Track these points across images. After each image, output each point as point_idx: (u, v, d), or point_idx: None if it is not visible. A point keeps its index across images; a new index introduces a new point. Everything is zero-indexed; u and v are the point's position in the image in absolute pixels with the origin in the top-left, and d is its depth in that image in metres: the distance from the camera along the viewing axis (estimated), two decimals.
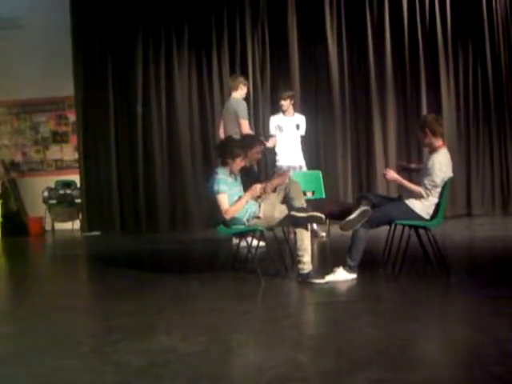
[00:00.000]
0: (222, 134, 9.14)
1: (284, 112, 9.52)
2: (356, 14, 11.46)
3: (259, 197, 6.61)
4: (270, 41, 11.64)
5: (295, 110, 9.68)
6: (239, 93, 9.08)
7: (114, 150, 11.87)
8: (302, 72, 11.52)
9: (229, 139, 7.10)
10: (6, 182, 12.70)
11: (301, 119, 9.63)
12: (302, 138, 9.70)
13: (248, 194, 6.47)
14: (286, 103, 9.48)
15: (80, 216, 12.38)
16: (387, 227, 6.64)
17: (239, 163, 6.64)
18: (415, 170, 6.92)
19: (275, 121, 9.58)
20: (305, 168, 9.66)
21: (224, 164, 6.62)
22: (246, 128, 8.79)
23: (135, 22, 11.80)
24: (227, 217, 6.39)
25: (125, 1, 11.87)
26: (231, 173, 6.61)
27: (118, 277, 7.26)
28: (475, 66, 11.41)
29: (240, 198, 6.48)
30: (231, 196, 6.45)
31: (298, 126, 9.55)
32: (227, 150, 6.61)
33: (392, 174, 6.39)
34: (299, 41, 11.53)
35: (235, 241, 7.97)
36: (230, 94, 9.31)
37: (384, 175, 6.47)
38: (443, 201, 6.18)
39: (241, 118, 8.82)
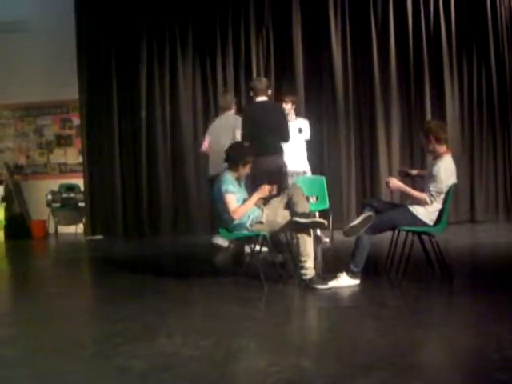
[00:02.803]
0: (205, 149, 9.19)
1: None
2: (360, 18, 11.45)
3: (265, 199, 6.63)
4: (274, 45, 11.63)
5: (297, 115, 9.67)
6: (233, 111, 9.12)
7: (117, 153, 11.88)
8: (307, 77, 11.51)
9: (241, 145, 7.05)
10: (9, 184, 12.70)
11: (304, 123, 9.61)
12: (307, 142, 9.69)
13: (257, 194, 6.49)
14: (287, 107, 9.43)
15: (83, 220, 12.38)
16: (391, 233, 6.64)
17: (247, 170, 6.68)
18: (418, 176, 6.91)
19: None
20: (309, 173, 9.65)
21: (234, 169, 6.63)
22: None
23: (139, 26, 11.82)
24: (236, 217, 6.41)
25: (130, 4, 11.89)
26: (237, 178, 6.64)
27: (121, 280, 7.26)
28: (480, 71, 11.39)
29: (247, 199, 6.51)
30: (237, 200, 6.47)
31: (300, 130, 9.49)
32: (240, 156, 6.64)
33: (395, 183, 6.38)
34: (304, 46, 11.52)
35: (247, 250, 7.90)
36: (222, 111, 9.26)
37: (387, 184, 6.46)
38: (447, 207, 6.18)
39: (239, 130, 8.50)
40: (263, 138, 7.71)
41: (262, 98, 8.08)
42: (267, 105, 8.19)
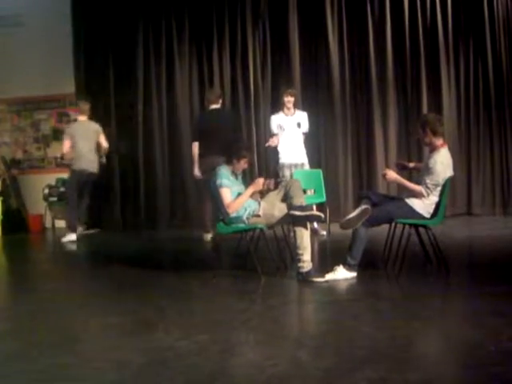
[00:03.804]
0: (68, 150, 10.49)
1: (288, 109, 9.55)
2: (357, 12, 11.44)
3: (262, 192, 6.66)
4: (271, 39, 11.62)
5: (296, 108, 9.70)
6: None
7: (114, 147, 11.84)
8: (303, 70, 11.50)
9: (237, 140, 7.09)
10: (6, 179, 12.68)
11: (302, 116, 9.67)
12: (305, 135, 9.74)
13: (251, 188, 6.50)
14: (293, 100, 9.55)
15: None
16: (387, 226, 6.64)
17: (243, 164, 6.69)
18: (414, 168, 6.93)
19: (276, 120, 9.62)
20: (307, 166, 9.69)
21: (228, 163, 6.66)
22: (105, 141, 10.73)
23: (136, 19, 11.80)
24: (230, 211, 6.43)
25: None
26: (233, 172, 6.65)
27: (118, 274, 7.26)
28: (476, 65, 11.39)
29: (241, 193, 6.53)
30: (232, 193, 6.48)
31: (298, 125, 9.59)
32: (234, 150, 6.66)
33: (391, 175, 6.39)
34: (300, 39, 11.51)
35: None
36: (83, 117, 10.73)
37: (383, 176, 6.47)
38: (443, 200, 6.19)
39: (103, 134, 10.71)
40: (208, 140, 9.06)
41: (213, 106, 9.50)
42: (217, 112, 9.51)
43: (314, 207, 8.83)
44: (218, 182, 6.47)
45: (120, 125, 11.95)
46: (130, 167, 11.92)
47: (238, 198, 6.47)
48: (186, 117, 11.75)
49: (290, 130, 9.57)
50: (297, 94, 9.78)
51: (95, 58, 11.95)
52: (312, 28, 11.52)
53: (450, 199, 9.47)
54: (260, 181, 6.55)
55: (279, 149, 9.62)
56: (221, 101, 9.64)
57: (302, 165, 9.64)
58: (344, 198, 11.35)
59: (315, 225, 9.26)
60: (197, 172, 9.37)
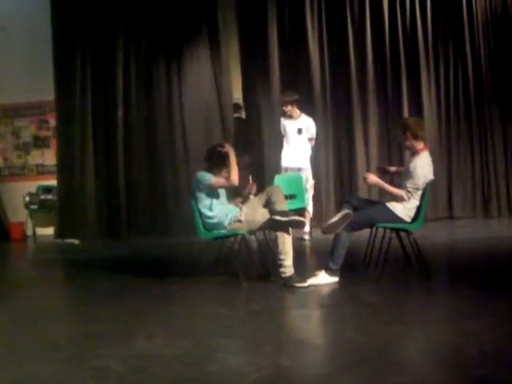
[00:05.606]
0: None
1: (289, 117, 9.89)
2: (337, 17, 11.44)
3: (244, 196, 6.68)
4: (250, 43, 11.55)
5: (302, 112, 10.04)
6: None
7: (91, 153, 11.68)
8: (283, 75, 11.45)
9: (220, 149, 7.03)
10: None
11: (306, 122, 9.96)
12: (312, 140, 10.12)
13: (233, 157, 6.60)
14: (287, 109, 9.90)
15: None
16: (369, 230, 6.66)
17: (223, 175, 6.65)
18: (395, 172, 6.96)
19: (282, 122, 10.08)
20: (306, 171, 9.84)
21: (209, 171, 6.63)
22: None
23: (116, 26, 11.70)
24: (235, 182, 6.49)
25: (106, 4, 11.77)
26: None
27: (99, 282, 7.23)
28: (456, 68, 11.47)
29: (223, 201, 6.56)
30: (219, 194, 6.52)
31: (299, 131, 9.78)
32: (217, 160, 6.64)
33: (372, 178, 6.42)
34: (280, 45, 11.43)
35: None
36: None
37: (364, 179, 6.50)
38: (424, 203, 6.22)
39: None
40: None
41: (236, 115, 10.93)
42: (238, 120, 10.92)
43: (311, 211, 8.99)
44: (206, 178, 6.46)
45: (98, 131, 11.81)
46: (109, 173, 11.78)
47: (230, 170, 6.49)
48: (165, 122, 11.66)
49: (290, 135, 9.94)
50: (294, 101, 9.86)
51: (74, 64, 11.76)
52: (292, 33, 11.48)
53: (430, 203, 9.51)
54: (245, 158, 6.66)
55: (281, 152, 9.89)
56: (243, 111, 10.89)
57: (299, 169, 9.78)
58: (325, 203, 11.34)
59: (307, 228, 9.32)
60: None
